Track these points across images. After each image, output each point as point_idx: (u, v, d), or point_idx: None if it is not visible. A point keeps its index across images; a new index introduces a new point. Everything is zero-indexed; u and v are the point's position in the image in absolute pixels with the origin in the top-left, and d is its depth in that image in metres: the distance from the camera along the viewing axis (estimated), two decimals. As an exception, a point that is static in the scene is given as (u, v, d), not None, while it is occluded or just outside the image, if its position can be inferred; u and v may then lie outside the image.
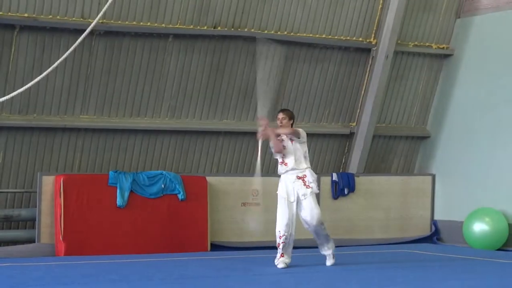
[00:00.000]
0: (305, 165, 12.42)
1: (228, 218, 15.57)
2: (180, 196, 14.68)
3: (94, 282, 10.86)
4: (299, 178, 12.32)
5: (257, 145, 12.81)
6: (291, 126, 12.57)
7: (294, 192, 12.27)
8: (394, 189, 16.98)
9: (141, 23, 15.03)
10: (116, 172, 14.47)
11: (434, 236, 17.09)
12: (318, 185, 12.81)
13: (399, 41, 16.87)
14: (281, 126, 12.54)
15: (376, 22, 16.77)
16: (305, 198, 12.25)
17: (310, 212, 12.24)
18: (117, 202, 14.28)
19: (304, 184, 12.29)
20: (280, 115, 12.58)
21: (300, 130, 12.53)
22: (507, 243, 15.62)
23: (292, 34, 16.16)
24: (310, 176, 12.38)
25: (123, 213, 14.35)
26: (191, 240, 14.80)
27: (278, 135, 12.38)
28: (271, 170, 16.19)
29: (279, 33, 16.02)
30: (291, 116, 12.64)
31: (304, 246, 14.31)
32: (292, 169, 12.33)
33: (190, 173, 15.70)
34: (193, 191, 14.86)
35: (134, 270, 12.15)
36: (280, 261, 12.24)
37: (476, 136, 16.70)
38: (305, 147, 12.54)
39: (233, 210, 15.61)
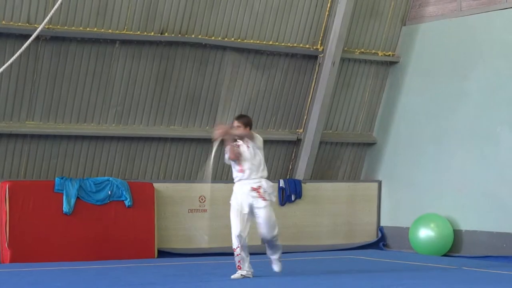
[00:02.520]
0: (260, 174, 11.90)
1: (175, 224, 15.56)
2: (127, 203, 14.67)
3: None
4: (253, 189, 11.75)
5: (211, 149, 12.21)
6: None
7: (247, 204, 11.75)
8: (340, 196, 17.12)
9: (88, 29, 14.99)
10: (62, 178, 14.40)
11: (381, 242, 17.27)
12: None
13: (345, 48, 17.01)
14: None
15: (322, 29, 16.89)
16: (259, 211, 11.75)
17: (265, 225, 11.79)
18: (64, 209, 14.23)
19: (259, 196, 11.73)
20: (235, 123, 11.93)
21: (257, 135, 12.08)
22: (452, 249, 15.83)
23: (239, 40, 16.19)
24: (266, 187, 11.83)
25: (70, 220, 14.31)
26: (138, 246, 14.78)
27: (235, 139, 11.86)
28: (219, 176, 16.28)
29: (226, 39, 16.04)
30: (247, 123, 11.97)
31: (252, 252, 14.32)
32: (248, 178, 11.85)
33: (137, 179, 15.68)
34: (140, 197, 14.87)
35: (80, 278, 12.09)
36: (236, 274, 11.83)
37: (422, 142, 16.88)
38: (261, 155, 11.99)
39: (180, 216, 15.61)
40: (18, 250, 13.92)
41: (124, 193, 14.66)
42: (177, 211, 15.56)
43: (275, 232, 11.95)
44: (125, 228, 14.69)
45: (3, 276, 12.45)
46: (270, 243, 12.07)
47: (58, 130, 15.19)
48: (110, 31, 15.17)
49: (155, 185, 15.26)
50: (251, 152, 11.91)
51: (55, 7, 13.14)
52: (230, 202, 11.95)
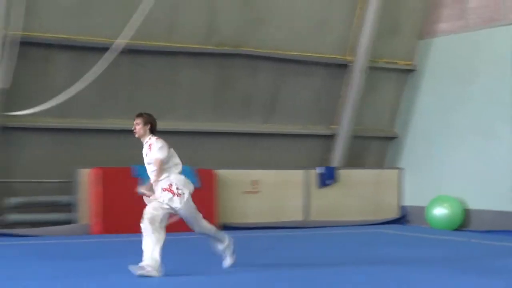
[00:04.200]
0: (166, 173, 9.36)
1: (233, 203, 15.73)
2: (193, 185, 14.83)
3: (123, 255, 11.05)
4: (165, 189, 9.28)
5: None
6: (150, 132, 9.47)
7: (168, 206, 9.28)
8: (368, 180, 17.24)
9: (158, 43, 15.18)
10: (141, 166, 14.65)
11: (402, 218, 17.36)
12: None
13: (371, 59, 17.10)
14: (135, 132, 9.46)
15: (352, 42, 17.00)
16: (179, 211, 9.41)
17: (190, 224, 9.74)
18: (138, 190, 14.40)
19: (174, 195, 9.30)
20: (135, 120, 9.43)
21: (160, 155, 9.31)
22: (463, 225, 15.91)
23: (284, 52, 16.36)
24: (176, 183, 9.37)
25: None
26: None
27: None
28: (269, 164, 16.56)
29: (273, 51, 16.20)
30: (146, 121, 9.41)
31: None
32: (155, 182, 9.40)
33: (202, 166, 15.58)
34: (204, 181, 14.94)
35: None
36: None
37: (436, 136, 16.99)
38: (162, 156, 9.33)
39: (237, 197, 15.80)
40: (106, 223, 14.18)
41: (191, 177, 14.85)
42: (234, 192, 15.74)
43: (202, 227, 9.74)
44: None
45: (96, 244, 12.79)
46: (206, 235, 9.92)
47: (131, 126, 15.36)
48: (176, 44, 15.35)
49: (216, 171, 15.44)
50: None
51: (133, 24, 13.55)
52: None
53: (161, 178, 9.34)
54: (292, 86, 16.84)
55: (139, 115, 9.54)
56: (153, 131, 9.57)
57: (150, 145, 9.41)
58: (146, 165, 9.53)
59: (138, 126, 9.42)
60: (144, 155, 9.54)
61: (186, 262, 10.44)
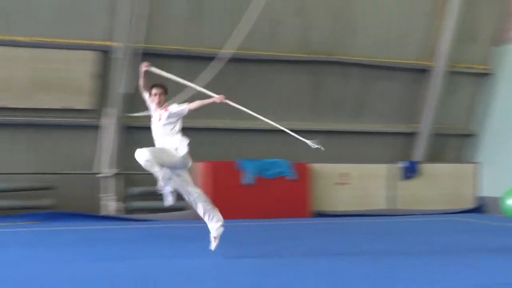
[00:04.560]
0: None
1: (325, 193, 15.64)
2: (290, 177, 14.85)
3: (227, 238, 11.12)
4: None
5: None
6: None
7: None
8: (448, 174, 16.87)
9: (260, 52, 15.25)
10: (245, 160, 14.81)
11: (479, 208, 16.92)
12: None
13: (450, 64, 16.77)
14: (159, 102, 8.77)
15: (433, 49, 16.72)
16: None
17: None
18: (246, 181, 14.56)
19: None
20: (157, 90, 8.78)
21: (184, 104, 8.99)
22: (535, 214, 15.49)
23: (371, 59, 16.26)
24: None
25: (251, 189, 14.60)
26: (298, 208, 14.93)
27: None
28: (356, 158, 16.43)
29: (361, 58, 16.10)
30: (166, 91, 8.91)
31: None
32: None
33: (298, 160, 15.56)
34: (300, 173, 15.00)
35: (264, 230, 12.43)
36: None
37: (510, 133, 16.60)
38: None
39: (328, 187, 15.69)
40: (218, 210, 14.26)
41: (288, 170, 14.91)
42: (326, 183, 15.67)
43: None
44: (289, 195, 14.82)
45: (204, 228, 12.84)
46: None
47: (239, 126, 15.43)
48: (276, 53, 15.39)
49: (311, 164, 15.39)
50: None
51: (238, 35, 13.66)
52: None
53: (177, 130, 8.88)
54: (378, 89, 16.67)
55: (160, 86, 8.83)
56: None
57: (166, 108, 8.79)
58: (160, 126, 8.80)
59: (162, 96, 8.81)
60: (157, 120, 8.83)
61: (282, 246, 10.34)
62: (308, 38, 15.66)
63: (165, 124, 8.78)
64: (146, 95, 8.92)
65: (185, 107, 8.80)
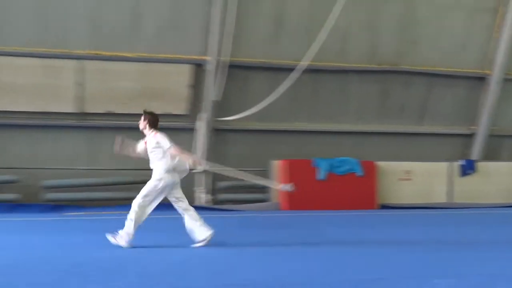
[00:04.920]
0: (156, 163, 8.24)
1: (390, 187, 15.42)
2: (358, 173, 14.76)
3: (304, 226, 11.13)
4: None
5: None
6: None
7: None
8: (503, 171, 16.40)
9: (333, 63, 15.23)
10: (319, 158, 14.80)
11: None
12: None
13: (506, 72, 16.38)
14: (143, 128, 8.39)
15: (490, 59, 16.35)
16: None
17: None
18: (320, 177, 14.52)
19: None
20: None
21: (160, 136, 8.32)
22: None
23: (433, 68, 16.01)
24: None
25: (324, 184, 14.55)
26: (365, 201, 14.80)
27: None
28: (418, 157, 16.19)
29: (424, 68, 15.87)
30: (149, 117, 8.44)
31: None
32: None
33: (365, 159, 15.39)
34: (367, 170, 14.87)
35: (334, 218, 12.35)
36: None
37: None
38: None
39: (393, 183, 15.47)
40: (292, 202, 14.17)
41: (357, 167, 14.84)
42: (391, 179, 15.46)
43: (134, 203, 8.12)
44: (357, 190, 14.66)
45: (283, 217, 12.92)
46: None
47: (315, 128, 15.46)
48: (346, 64, 15.33)
49: (377, 162, 15.23)
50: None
51: (313, 49, 13.69)
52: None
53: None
54: (439, 95, 16.42)
55: (144, 113, 8.49)
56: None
57: (154, 135, 8.31)
58: (148, 152, 8.30)
59: (143, 122, 8.38)
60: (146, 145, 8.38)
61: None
62: (375, 50, 15.56)
63: (151, 152, 8.24)
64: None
65: (168, 147, 8.10)
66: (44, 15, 13.47)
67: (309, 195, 14.32)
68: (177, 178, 8.20)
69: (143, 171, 14.17)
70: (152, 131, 8.32)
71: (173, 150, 8.12)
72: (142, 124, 8.38)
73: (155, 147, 8.20)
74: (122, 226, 8.00)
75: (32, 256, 7.31)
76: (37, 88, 13.67)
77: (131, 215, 7.96)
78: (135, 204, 8.01)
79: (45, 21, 13.49)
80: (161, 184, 8.05)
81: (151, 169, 8.36)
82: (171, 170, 8.15)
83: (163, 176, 8.09)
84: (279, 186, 8.62)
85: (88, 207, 13.73)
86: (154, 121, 8.39)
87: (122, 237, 7.87)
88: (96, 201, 14.05)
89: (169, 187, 8.10)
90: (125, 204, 13.69)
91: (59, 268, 6.52)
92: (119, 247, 7.81)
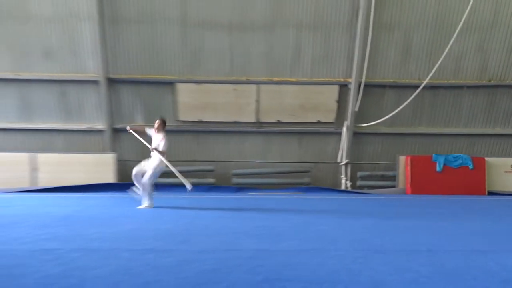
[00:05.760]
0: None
1: (496, 178, 14.41)
2: (470, 167, 14.05)
3: (424, 207, 10.56)
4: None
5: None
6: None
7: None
8: None
9: (449, 81, 14.47)
10: (437, 154, 14.26)
11: None
12: None
13: None
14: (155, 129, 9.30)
15: None
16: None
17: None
18: (438, 169, 13.98)
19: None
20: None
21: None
22: None
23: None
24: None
25: (440, 175, 13.97)
26: (475, 189, 13.97)
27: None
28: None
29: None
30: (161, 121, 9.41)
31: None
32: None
33: (475, 155, 14.80)
34: (477, 165, 14.05)
35: (449, 202, 11.64)
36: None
37: None
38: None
39: (499, 175, 14.44)
40: (414, 187, 13.82)
41: (469, 162, 14.13)
42: (498, 172, 14.43)
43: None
44: (469, 180, 13.98)
45: (408, 200, 12.17)
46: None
47: (433, 131, 14.75)
48: (460, 81, 14.51)
49: (486, 158, 14.33)
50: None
51: (434, 69, 13.11)
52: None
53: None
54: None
55: (159, 119, 9.45)
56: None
57: (162, 138, 9.25)
58: (154, 146, 9.20)
59: (157, 125, 9.32)
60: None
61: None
62: (486, 68, 14.60)
63: (155, 144, 9.16)
64: (148, 130, 9.45)
65: (163, 146, 9.11)
66: (233, 54, 14.20)
67: (429, 183, 13.90)
68: (163, 164, 9.14)
69: (298, 164, 14.70)
70: (162, 132, 9.26)
71: (164, 151, 9.10)
72: (157, 124, 9.30)
73: (159, 143, 9.10)
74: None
75: (219, 222, 7.63)
76: (229, 105, 14.37)
77: (147, 190, 9.03)
78: (147, 183, 9.02)
79: (233, 58, 14.21)
80: (158, 168, 9.10)
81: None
82: (161, 160, 9.09)
83: (159, 162, 9.07)
84: (187, 183, 9.05)
85: (262, 189, 14.18)
86: (164, 125, 9.39)
87: (147, 206, 9.00)
88: (267, 185, 14.48)
89: (161, 169, 9.14)
90: (287, 187, 14.23)
91: (239, 231, 6.84)
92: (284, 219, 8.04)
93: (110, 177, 13.41)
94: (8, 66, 13.82)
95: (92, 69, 13.90)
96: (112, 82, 14.14)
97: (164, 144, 9.18)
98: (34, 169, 13.22)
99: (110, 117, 14.19)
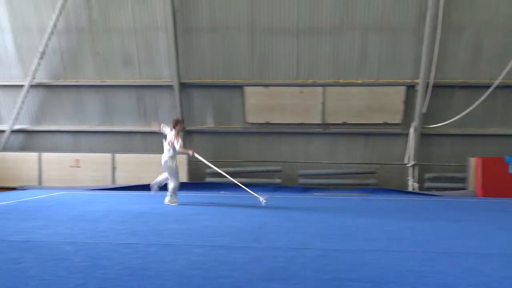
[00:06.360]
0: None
1: None
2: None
3: (494, 209, 10.31)
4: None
5: None
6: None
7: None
8: None
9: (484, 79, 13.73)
10: (510, 156, 13.58)
11: None
12: None
13: None
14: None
15: None
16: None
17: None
18: (510, 171, 13.36)
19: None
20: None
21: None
22: None
23: None
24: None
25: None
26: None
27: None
28: None
29: None
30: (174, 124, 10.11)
31: None
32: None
33: None
34: None
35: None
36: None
37: None
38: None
39: None
40: (485, 190, 13.36)
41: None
42: None
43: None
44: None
45: (479, 203, 11.95)
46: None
47: (506, 132, 14.13)
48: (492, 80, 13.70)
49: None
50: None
51: (507, 68, 12.54)
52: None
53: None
54: None
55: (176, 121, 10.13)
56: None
57: (176, 136, 9.87)
58: (171, 146, 9.82)
59: (176, 126, 9.99)
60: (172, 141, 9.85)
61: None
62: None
63: (171, 141, 9.82)
64: (165, 129, 10.10)
65: (178, 145, 9.80)
66: (299, 58, 14.30)
67: (501, 185, 13.37)
68: (174, 163, 9.90)
69: (365, 165, 14.51)
70: (177, 131, 9.92)
71: (180, 148, 9.79)
72: (173, 124, 10.01)
73: (174, 141, 9.76)
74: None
75: (289, 221, 7.74)
76: (296, 107, 14.50)
77: (174, 187, 9.82)
78: (175, 187, 9.83)
79: (300, 61, 14.33)
80: (175, 164, 9.88)
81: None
82: (175, 156, 9.89)
83: (171, 163, 9.82)
84: (257, 195, 9.69)
85: (329, 190, 14.19)
86: (176, 124, 10.03)
87: (174, 202, 9.77)
88: (333, 185, 14.47)
89: (177, 167, 9.93)
90: (353, 188, 14.08)
91: (307, 230, 6.91)
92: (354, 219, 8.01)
93: (182, 176, 13.87)
94: (95, 74, 14.66)
95: (167, 74, 14.43)
96: (184, 86, 14.61)
97: (178, 143, 9.87)
98: (113, 168, 13.92)
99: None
